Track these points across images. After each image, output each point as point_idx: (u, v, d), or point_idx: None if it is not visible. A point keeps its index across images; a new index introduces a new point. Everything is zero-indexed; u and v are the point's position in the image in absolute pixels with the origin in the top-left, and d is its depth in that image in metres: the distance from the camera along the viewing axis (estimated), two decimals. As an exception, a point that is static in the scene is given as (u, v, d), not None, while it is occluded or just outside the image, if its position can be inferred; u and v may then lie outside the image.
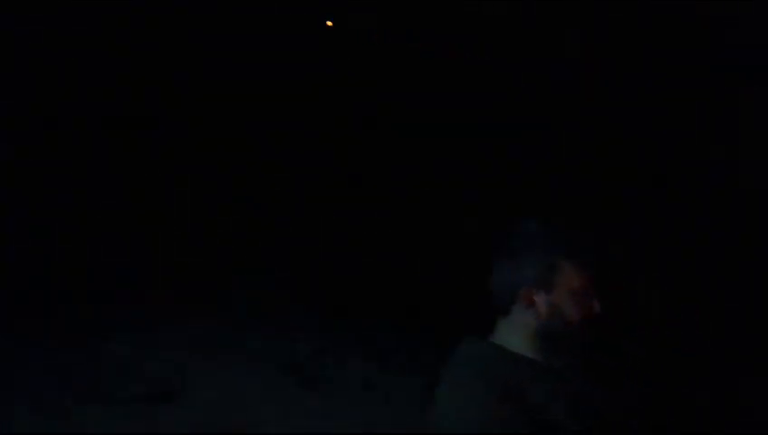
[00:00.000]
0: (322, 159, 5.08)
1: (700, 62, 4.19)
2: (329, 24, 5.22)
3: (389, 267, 4.56)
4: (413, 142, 4.77)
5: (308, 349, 4.02)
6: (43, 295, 4.08)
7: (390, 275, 4.50)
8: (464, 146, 4.80)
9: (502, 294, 1.49)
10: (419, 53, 4.87)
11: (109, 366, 3.67)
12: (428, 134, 4.69)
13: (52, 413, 3.16)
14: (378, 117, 4.94)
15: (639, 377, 2.93)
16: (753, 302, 3.31)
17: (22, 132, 4.79)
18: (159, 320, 4.18)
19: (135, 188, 4.91)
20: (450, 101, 4.72)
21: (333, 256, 4.76)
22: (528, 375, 1.51)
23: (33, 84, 4.90)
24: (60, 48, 5.01)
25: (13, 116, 4.76)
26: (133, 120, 5.03)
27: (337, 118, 5.04)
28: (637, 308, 3.58)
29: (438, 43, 4.86)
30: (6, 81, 4.77)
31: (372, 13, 4.94)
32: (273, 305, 4.45)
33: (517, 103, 4.60)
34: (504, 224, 1.52)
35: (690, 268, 3.72)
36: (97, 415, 3.22)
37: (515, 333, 1.52)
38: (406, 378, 3.68)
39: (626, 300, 3.56)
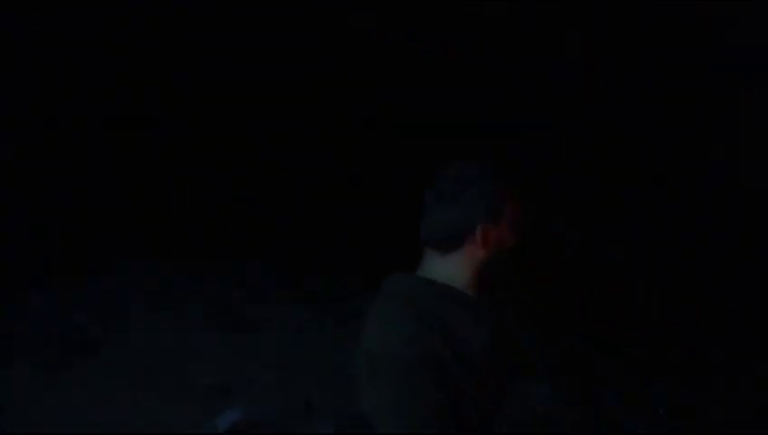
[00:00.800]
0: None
1: (700, 63, 4.19)
2: None
3: (320, 211, 4.55)
4: (412, 142, 4.76)
5: (237, 294, 4.03)
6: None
7: (322, 219, 4.49)
8: (463, 146, 4.80)
9: (450, 233, 1.51)
10: (419, 53, 4.86)
11: (34, 319, 3.69)
12: (429, 134, 4.68)
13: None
14: (377, 117, 4.93)
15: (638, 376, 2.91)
16: (753, 302, 3.31)
17: (22, 132, 4.79)
18: (86, 270, 4.19)
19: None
20: (451, 101, 4.71)
21: (264, 200, 4.75)
22: (457, 307, 1.54)
23: (33, 84, 4.90)
24: (60, 48, 5.01)
25: (12, 116, 4.75)
26: (133, 120, 5.02)
27: (336, 118, 5.02)
28: (636, 308, 3.59)
29: (438, 44, 4.85)
30: (6, 81, 4.77)
31: (372, 13, 4.93)
32: (202, 251, 4.44)
33: (517, 103, 4.59)
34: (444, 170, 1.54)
35: (690, 268, 3.71)
36: (23, 370, 3.27)
37: (459, 269, 1.54)
38: (339, 320, 3.70)
39: (626, 299, 3.58)
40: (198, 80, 5.11)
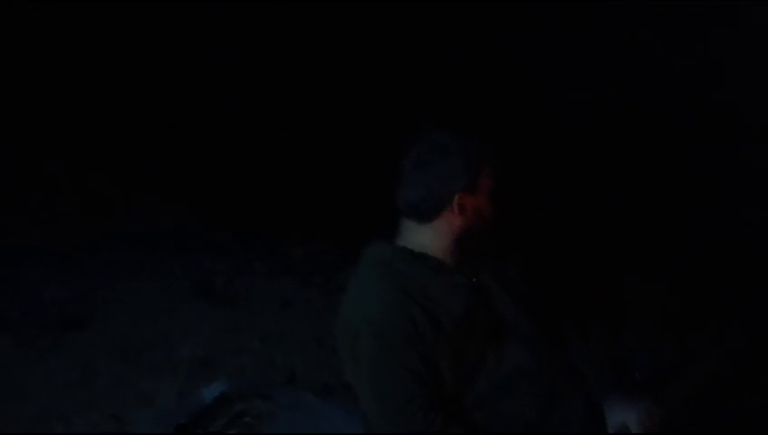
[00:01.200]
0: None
1: (700, 62, 4.21)
2: None
3: (302, 183, 4.53)
4: (393, 112, 4.73)
5: (220, 267, 4.00)
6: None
7: (304, 190, 4.46)
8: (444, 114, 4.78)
9: (427, 202, 1.53)
10: (419, 52, 4.87)
11: (15, 295, 3.66)
12: (410, 104, 4.66)
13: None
14: (378, 116, 4.93)
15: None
16: (753, 302, 3.27)
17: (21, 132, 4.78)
18: (68, 246, 4.17)
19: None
20: (452, 101, 4.70)
21: (246, 171, 4.74)
22: (435, 275, 1.55)
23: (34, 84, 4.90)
24: (60, 48, 5.01)
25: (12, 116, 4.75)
26: (133, 120, 5.01)
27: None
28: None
29: (439, 43, 4.86)
30: (6, 80, 4.77)
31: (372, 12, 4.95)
32: (184, 226, 4.45)
33: (517, 103, 4.60)
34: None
35: (689, 268, 3.68)
36: (5, 346, 3.24)
37: (437, 238, 1.56)
38: (323, 293, 3.66)
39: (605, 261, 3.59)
40: (198, 79, 5.11)
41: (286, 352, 3.22)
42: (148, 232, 4.40)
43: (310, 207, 4.32)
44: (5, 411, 2.82)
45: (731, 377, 2.31)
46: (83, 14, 5.03)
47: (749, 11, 3.95)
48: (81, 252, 4.14)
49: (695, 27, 4.18)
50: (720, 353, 1.89)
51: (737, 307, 3.10)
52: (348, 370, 1.57)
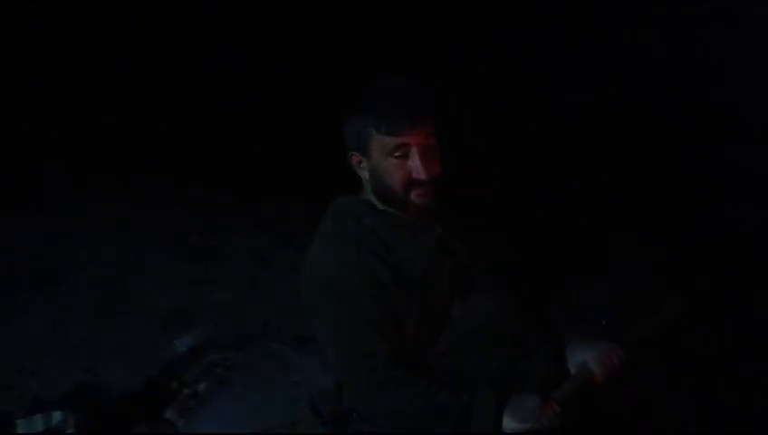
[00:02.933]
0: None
1: (700, 62, 4.21)
2: None
3: (275, 138, 4.55)
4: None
5: (193, 221, 4.02)
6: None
7: (277, 146, 4.47)
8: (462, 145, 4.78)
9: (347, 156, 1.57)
10: (419, 52, 4.86)
11: None
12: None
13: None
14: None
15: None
16: (752, 301, 3.26)
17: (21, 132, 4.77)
18: (41, 200, 4.21)
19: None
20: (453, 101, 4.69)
21: (219, 127, 4.77)
22: (396, 227, 1.55)
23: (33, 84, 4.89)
24: (60, 48, 5.00)
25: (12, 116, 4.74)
26: (133, 120, 5.00)
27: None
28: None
29: (439, 44, 4.86)
30: (6, 80, 4.76)
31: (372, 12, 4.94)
32: (157, 179, 4.45)
33: (517, 103, 4.59)
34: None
35: (690, 268, 3.67)
36: None
37: (368, 193, 1.58)
38: (297, 248, 3.64)
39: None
40: (198, 79, 5.11)
41: (260, 305, 3.23)
42: (120, 186, 4.40)
43: (285, 167, 4.31)
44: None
45: (694, 320, 2.29)
46: (83, 14, 5.03)
47: (749, 11, 3.96)
48: (53, 206, 4.15)
49: (695, 27, 4.19)
50: (681, 296, 1.87)
51: (737, 307, 3.09)
52: (311, 324, 1.57)
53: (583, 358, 1.55)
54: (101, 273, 3.50)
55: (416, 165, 1.46)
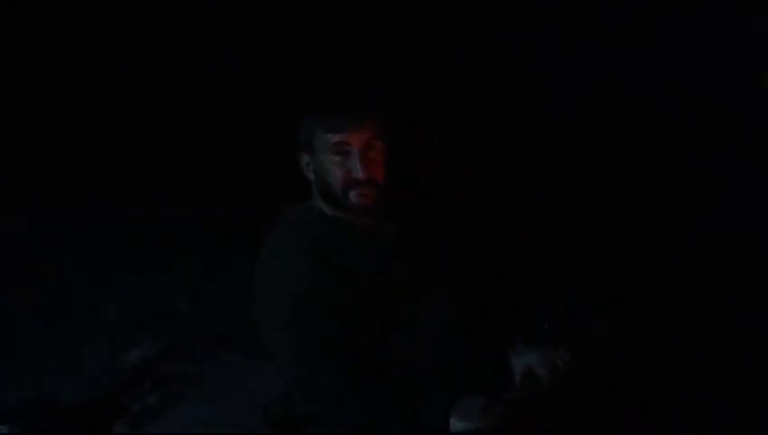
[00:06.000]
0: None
1: (700, 62, 4.21)
2: None
3: (234, 143, 4.56)
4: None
5: (149, 228, 4.06)
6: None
7: (235, 151, 4.49)
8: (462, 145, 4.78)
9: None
10: (419, 52, 4.86)
11: None
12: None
13: None
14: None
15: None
16: (753, 302, 3.26)
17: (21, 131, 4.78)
18: None
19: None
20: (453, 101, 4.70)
21: (177, 133, 4.77)
22: (346, 232, 1.57)
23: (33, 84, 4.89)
24: (60, 47, 5.00)
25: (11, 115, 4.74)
26: (133, 119, 5.00)
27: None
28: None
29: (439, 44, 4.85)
30: (6, 80, 4.76)
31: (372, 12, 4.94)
32: (112, 184, 4.49)
33: (517, 103, 4.59)
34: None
35: (689, 268, 3.67)
36: None
37: (316, 197, 1.60)
38: (252, 256, 3.62)
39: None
40: (198, 79, 5.11)
41: (215, 315, 3.22)
42: (75, 195, 4.42)
43: (245, 169, 4.32)
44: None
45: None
46: (83, 14, 5.02)
47: (749, 11, 3.95)
48: (9, 218, 4.14)
49: (695, 27, 4.18)
50: (635, 296, 1.90)
51: (737, 307, 3.09)
52: (264, 334, 1.60)
53: (528, 361, 1.60)
54: (55, 281, 3.49)
55: (354, 164, 1.48)
